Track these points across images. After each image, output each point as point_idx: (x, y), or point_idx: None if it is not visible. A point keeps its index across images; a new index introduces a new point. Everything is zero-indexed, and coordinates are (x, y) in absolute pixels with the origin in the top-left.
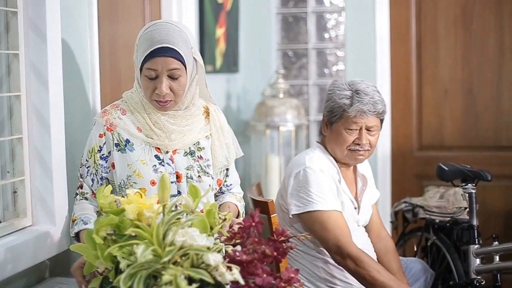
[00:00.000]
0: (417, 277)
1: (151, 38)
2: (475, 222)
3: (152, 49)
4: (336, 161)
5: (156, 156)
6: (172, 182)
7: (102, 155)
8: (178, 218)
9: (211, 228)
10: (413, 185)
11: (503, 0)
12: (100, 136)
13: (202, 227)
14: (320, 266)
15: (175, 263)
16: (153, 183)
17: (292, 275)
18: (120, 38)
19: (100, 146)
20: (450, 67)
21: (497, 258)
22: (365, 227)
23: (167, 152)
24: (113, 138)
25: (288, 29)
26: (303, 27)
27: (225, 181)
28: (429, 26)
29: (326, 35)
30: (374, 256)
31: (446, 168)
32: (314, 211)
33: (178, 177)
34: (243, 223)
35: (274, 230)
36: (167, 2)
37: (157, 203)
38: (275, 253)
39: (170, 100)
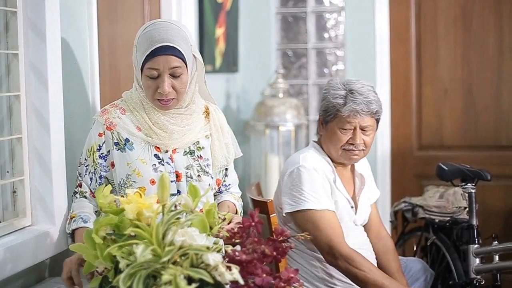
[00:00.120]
0: (416, 277)
1: (150, 37)
2: (474, 221)
3: (153, 48)
4: (332, 160)
5: (156, 155)
6: (171, 181)
7: (101, 154)
8: (178, 218)
9: (211, 228)
10: (413, 184)
11: (502, 0)
12: (100, 135)
13: (201, 227)
14: (318, 266)
15: (174, 263)
16: (152, 182)
17: (292, 275)
18: (120, 38)
19: (99, 145)
20: (450, 66)
21: (496, 257)
22: (364, 226)
23: (166, 151)
24: (112, 137)
25: (287, 29)
26: (302, 27)
27: (224, 181)
28: (428, 25)
29: (326, 35)
30: (373, 256)
31: (446, 168)
32: (306, 210)
33: (177, 176)
34: (241, 222)
35: (273, 229)
36: (166, 2)
37: (157, 202)
38: (274, 253)
39: (173, 99)
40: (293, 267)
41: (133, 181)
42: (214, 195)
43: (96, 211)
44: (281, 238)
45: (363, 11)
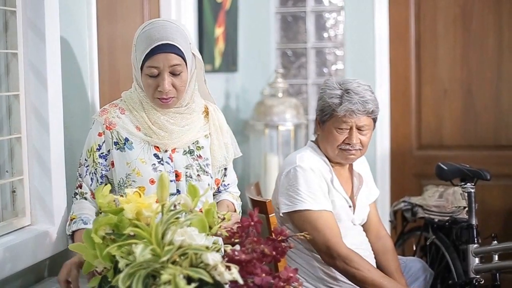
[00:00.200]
0: (416, 276)
1: (149, 36)
2: (474, 221)
3: (153, 46)
4: (330, 160)
5: (155, 155)
6: (171, 181)
7: (101, 153)
8: (177, 218)
9: (210, 228)
10: (412, 184)
11: (502, 0)
12: (99, 134)
13: (201, 227)
14: (316, 266)
15: (174, 262)
16: (152, 181)
17: (291, 275)
18: (119, 37)
19: (99, 144)
20: (449, 66)
21: (496, 257)
22: (363, 226)
23: (166, 151)
24: (112, 136)
25: (287, 29)
26: (302, 27)
27: (223, 180)
28: (428, 25)
29: (325, 35)
30: (371, 256)
31: (445, 168)
32: (303, 210)
33: (177, 175)
34: (240, 221)
35: (272, 229)
36: (166, 1)
37: (156, 202)
38: (274, 253)
39: (173, 97)
40: (292, 267)
41: (133, 181)
42: (213, 195)
43: (97, 212)
44: (280, 238)
45: (362, 10)
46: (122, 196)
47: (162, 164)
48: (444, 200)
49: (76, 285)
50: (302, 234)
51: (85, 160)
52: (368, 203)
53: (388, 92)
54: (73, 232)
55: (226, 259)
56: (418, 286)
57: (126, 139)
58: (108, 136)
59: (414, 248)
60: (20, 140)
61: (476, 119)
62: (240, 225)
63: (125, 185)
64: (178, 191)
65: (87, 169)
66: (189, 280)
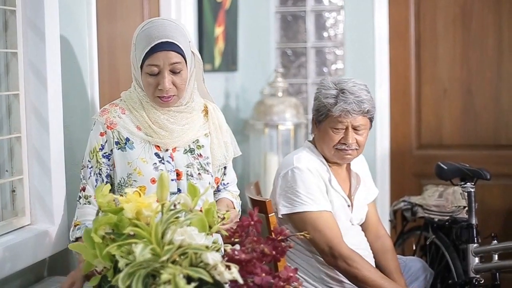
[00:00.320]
0: (416, 276)
1: (149, 35)
2: (474, 221)
3: (153, 44)
4: (327, 159)
5: (156, 154)
6: (172, 180)
7: (104, 153)
8: (177, 217)
9: (210, 227)
10: (412, 184)
11: (502, 0)
12: (101, 134)
13: (200, 226)
14: (316, 266)
15: (173, 262)
16: (153, 181)
17: (291, 274)
18: (119, 37)
19: (101, 144)
20: (449, 66)
21: (496, 257)
22: (362, 225)
23: (166, 150)
24: (113, 136)
25: (287, 28)
26: (302, 26)
27: (223, 179)
28: (428, 25)
29: (325, 34)
30: (370, 255)
31: (445, 167)
32: (303, 212)
33: (178, 175)
34: (239, 219)
35: (272, 229)
36: (165, 0)
37: (156, 202)
38: (273, 252)
39: (173, 95)
40: (292, 267)
41: (134, 180)
42: (213, 193)
43: (97, 212)
44: (280, 237)
45: (362, 10)
46: (121, 196)
47: (163, 163)
48: (444, 199)
49: None
50: (302, 233)
51: (88, 161)
52: (367, 203)
53: (388, 92)
54: (77, 238)
55: (226, 258)
56: (418, 285)
57: (127, 139)
58: (110, 135)
59: (414, 248)
60: (20, 140)
61: (476, 118)
62: (239, 224)
63: (126, 185)
64: (179, 190)
65: (91, 170)
66: (189, 279)
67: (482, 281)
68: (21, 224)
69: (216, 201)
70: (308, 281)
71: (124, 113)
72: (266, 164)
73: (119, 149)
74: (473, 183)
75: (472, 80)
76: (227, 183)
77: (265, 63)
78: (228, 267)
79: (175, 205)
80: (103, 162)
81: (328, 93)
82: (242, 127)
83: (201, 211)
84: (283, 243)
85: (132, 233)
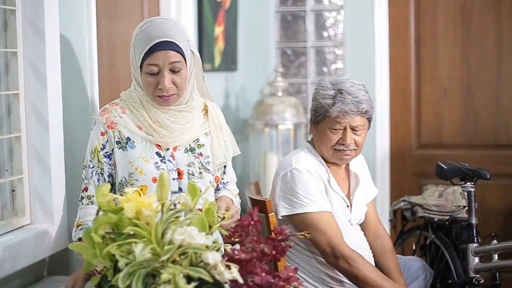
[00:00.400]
0: (416, 276)
1: (148, 34)
2: (474, 220)
3: (152, 44)
4: (325, 160)
5: (157, 153)
6: (173, 179)
7: (106, 153)
8: (177, 217)
9: (210, 227)
10: (412, 183)
11: (501, 0)
12: (102, 134)
13: (201, 226)
14: (316, 266)
15: (173, 261)
16: (154, 180)
17: (291, 274)
18: (119, 36)
19: (102, 144)
20: (449, 66)
21: (496, 256)
22: (361, 225)
23: (167, 149)
24: (114, 135)
25: (287, 28)
26: (302, 26)
27: (222, 178)
28: (428, 25)
29: (325, 34)
30: (370, 255)
31: (445, 167)
32: (303, 213)
33: (179, 174)
34: (239, 217)
35: (272, 228)
36: (165, 0)
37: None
38: (274, 252)
39: (174, 94)
40: (292, 267)
41: (135, 180)
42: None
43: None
44: (280, 237)
45: (362, 10)
46: (122, 195)
47: (164, 163)
48: (444, 199)
49: None
50: (302, 233)
51: (90, 161)
52: (366, 203)
53: (387, 92)
54: (80, 239)
55: (226, 258)
56: (418, 285)
57: (128, 138)
58: (111, 135)
59: (414, 248)
60: (20, 139)
61: (475, 118)
62: (239, 224)
63: (128, 184)
64: (180, 189)
65: (93, 170)
66: (189, 279)
67: (482, 281)
68: (21, 223)
69: (216, 199)
70: (308, 281)
71: (125, 113)
72: (266, 163)
73: (120, 148)
74: (473, 183)
75: (472, 80)
76: (227, 182)
77: (265, 62)
78: (228, 267)
79: (175, 205)
80: (105, 162)
81: (326, 94)
82: (242, 127)
83: (201, 210)
84: (283, 243)
85: (132, 232)
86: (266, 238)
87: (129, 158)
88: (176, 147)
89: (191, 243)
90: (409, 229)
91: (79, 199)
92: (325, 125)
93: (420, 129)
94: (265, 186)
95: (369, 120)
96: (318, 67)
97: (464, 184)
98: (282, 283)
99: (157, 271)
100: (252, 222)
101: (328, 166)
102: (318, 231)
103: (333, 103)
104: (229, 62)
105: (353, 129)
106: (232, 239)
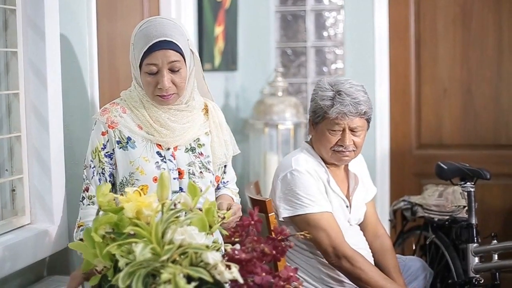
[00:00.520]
0: (415, 276)
1: (147, 34)
2: (474, 220)
3: (151, 43)
4: (324, 161)
5: (158, 153)
6: (174, 179)
7: (107, 152)
8: (177, 217)
9: (210, 227)
10: (412, 183)
11: None
12: (103, 134)
13: (201, 226)
14: (316, 266)
15: (174, 261)
16: (155, 180)
17: (291, 274)
18: (119, 36)
19: (103, 144)
20: (449, 66)
21: (496, 256)
22: (360, 225)
23: (168, 148)
24: (114, 135)
25: (287, 27)
26: (302, 25)
27: (223, 178)
28: (428, 24)
29: (325, 34)
30: (369, 255)
31: (445, 167)
32: (304, 214)
33: (180, 173)
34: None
35: (272, 228)
36: (165, 0)
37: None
38: (274, 252)
39: (173, 94)
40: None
41: (136, 179)
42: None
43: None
44: (280, 237)
45: (362, 9)
46: (122, 195)
47: (165, 162)
48: (444, 199)
49: None
50: (302, 233)
51: (91, 161)
52: (365, 202)
53: (388, 92)
54: (81, 239)
55: (226, 258)
56: (418, 285)
57: (129, 138)
58: (111, 135)
59: (414, 247)
60: (20, 139)
61: (475, 118)
62: (240, 224)
63: (129, 184)
64: (181, 189)
65: (94, 170)
66: (189, 279)
67: (482, 281)
68: (21, 223)
69: (217, 197)
70: (308, 281)
71: (125, 112)
72: (266, 163)
73: (120, 148)
74: (473, 183)
75: (472, 80)
76: (227, 181)
77: (265, 62)
78: (228, 267)
79: (175, 205)
80: (106, 162)
81: (325, 95)
82: (242, 127)
83: (201, 210)
84: (283, 243)
85: (132, 232)
86: (266, 238)
87: (130, 158)
88: (176, 146)
89: (191, 243)
90: (409, 229)
91: (80, 199)
92: (324, 127)
93: (420, 129)
94: (265, 186)
95: (368, 121)
96: (318, 67)
97: (464, 184)
98: (282, 283)
99: (157, 271)
100: (253, 222)
101: (327, 167)
102: (320, 232)
103: (332, 105)
104: (229, 62)
105: (352, 130)
106: (233, 239)
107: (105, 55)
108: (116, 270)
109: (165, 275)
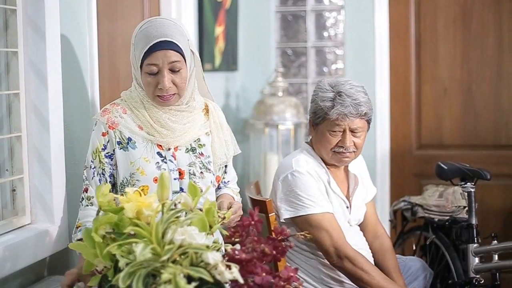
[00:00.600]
0: (415, 276)
1: (148, 34)
2: (474, 221)
3: (151, 44)
4: (324, 161)
5: (159, 153)
6: (174, 179)
7: (107, 153)
8: (177, 217)
9: (211, 227)
10: (412, 184)
11: None
12: (103, 134)
13: (201, 226)
14: (316, 267)
15: (174, 261)
16: (156, 180)
17: (291, 274)
18: (119, 36)
19: (104, 144)
20: (449, 66)
21: (496, 257)
22: (360, 225)
23: (169, 149)
24: (115, 136)
25: (287, 28)
26: (302, 26)
27: (223, 177)
28: (428, 24)
29: (325, 34)
30: (369, 255)
31: (445, 167)
32: (306, 215)
33: (180, 173)
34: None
35: (273, 228)
36: (166, 0)
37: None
38: (274, 252)
39: (174, 94)
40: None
41: (137, 180)
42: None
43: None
44: (280, 237)
45: (362, 10)
46: (122, 195)
47: (166, 162)
48: (444, 199)
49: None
50: (302, 233)
51: (91, 162)
52: (365, 203)
53: (388, 92)
54: (79, 240)
55: (226, 258)
56: (418, 285)
57: (129, 139)
58: (112, 135)
59: (414, 248)
60: (20, 139)
61: (476, 118)
62: (240, 224)
63: (129, 185)
64: (182, 189)
65: (94, 171)
66: (189, 279)
67: (482, 281)
68: (21, 223)
69: (217, 196)
70: (308, 282)
71: (126, 113)
72: (266, 163)
73: (121, 149)
74: (473, 183)
75: (472, 80)
76: (228, 181)
77: (265, 62)
78: (229, 267)
79: (175, 205)
80: (106, 162)
81: (325, 96)
82: (242, 127)
83: (201, 210)
84: (283, 243)
85: (132, 232)
86: (266, 238)
87: (130, 159)
88: (177, 147)
89: (192, 243)
90: (409, 229)
91: (80, 200)
92: (324, 128)
93: (420, 129)
94: (265, 186)
95: (369, 122)
96: (319, 67)
97: (464, 184)
98: (282, 283)
99: (158, 271)
100: (253, 222)
101: (327, 168)
102: (321, 232)
103: (332, 106)
104: (230, 62)
105: (352, 131)
106: (233, 239)
107: (105, 55)
108: (117, 270)
109: (165, 275)
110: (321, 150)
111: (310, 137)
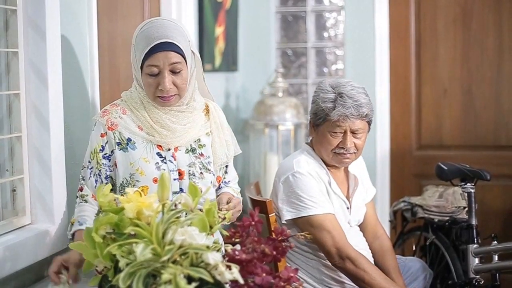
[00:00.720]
0: (415, 276)
1: (148, 35)
2: (474, 221)
3: (152, 45)
4: (325, 162)
5: (158, 154)
6: (174, 180)
7: (105, 154)
8: (178, 217)
9: (211, 227)
10: (412, 184)
11: (502, 0)
12: (102, 135)
13: (201, 226)
14: (316, 267)
15: (174, 262)
16: (155, 180)
17: (292, 274)
18: (119, 36)
19: (102, 145)
20: (449, 66)
21: (496, 257)
22: (360, 226)
23: (169, 149)
24: (114, 137)
25: (287, 28)
26: (302, 26)
27: (224, 177)
28: (428, 25)
29: (326, 34)
30: (370, 255)
31: (445, 168)
32: (308, 216)
33: (180, 174)
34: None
35: (273, 229)
36: (166, 0)
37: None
38: (274, 252)
39: (174, 95)
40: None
41: (136, 181)
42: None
43: (98, 212)
44: (280, 238)
45: (362, 10)
46: (123, 196)
47: (165, 163)
48: (444, 200)
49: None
50: (303, 234)
51: (89, 162)
52: (365, 203)
53: (388, 92)
54: (73, 235)
55: (226, 258)
56: (418, 285)
57: (129, 139)
58: (111, 136)
59: (414, 248)
60: (21, 139)
61: (476, 119)
62: (240, 224)
63: (129, 185)
64: (181, 190)
65: (91, 171)
66: (190, 279)
67: (482, 282)
68: (22, 223)
69: (218, 194)
70: (309, 282)
71: (125, 114)
72: (266, 164)
73: (120, 149)
74: (473, 184)
75: (472, 80)
76: (229, 181)
77: (266, 63)
78: (229, 267)
79: (176, 205)
80: (103, 163)
81: (326, 97)
82: (242, 127)
83: (201, 211)
84: (283, 243)
85: (133, 233)
86: (266, 239)
87: (130, 159)
88: (177, 147)
89: (192, 243)
90: (409, 229)
91: (75, 197)
92: (325, 129)
93: (420, 129)
94: (266, 187)
95: (369, 123)
96: (319, 67)
97: (464, 185)
98: (282, 284)
99: (158, 271)
100: (253, 223)
101: (328, 169)
102: (323, 233)
103: (334, 107)
104: (230, 63)
105: (353, 132)
106: (233, 239)
107: (105, 56)
108: (117, 270)
109: (165, 276)
110: (322, 151)
111: (310, 138)
